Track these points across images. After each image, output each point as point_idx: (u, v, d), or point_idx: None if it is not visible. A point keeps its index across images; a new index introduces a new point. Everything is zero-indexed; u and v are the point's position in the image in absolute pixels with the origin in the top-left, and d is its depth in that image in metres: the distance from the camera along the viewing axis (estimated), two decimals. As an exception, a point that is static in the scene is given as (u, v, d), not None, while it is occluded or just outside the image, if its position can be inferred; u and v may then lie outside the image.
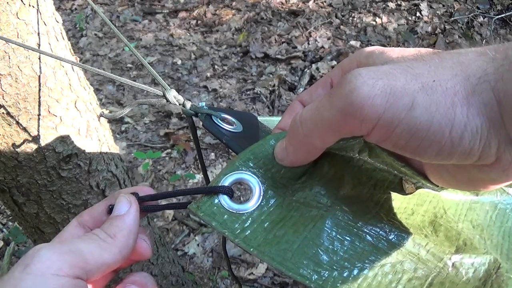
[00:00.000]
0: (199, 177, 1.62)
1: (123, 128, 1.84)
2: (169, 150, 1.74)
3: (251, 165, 0.30)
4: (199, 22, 2.47)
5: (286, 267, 0.27)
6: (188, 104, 0.37)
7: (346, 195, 0.30)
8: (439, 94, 0.22)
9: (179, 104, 0.37)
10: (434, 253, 0.29)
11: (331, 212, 0.30)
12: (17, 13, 0.45)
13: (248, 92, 2.00)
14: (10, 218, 1.47)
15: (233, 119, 0.38)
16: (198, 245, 1.43)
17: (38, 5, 0.48)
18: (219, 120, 0.36)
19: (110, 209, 0.31)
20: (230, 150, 0.34)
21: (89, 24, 2.45)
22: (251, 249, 0.27)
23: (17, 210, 0.61)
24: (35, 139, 0.53)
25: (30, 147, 0.53)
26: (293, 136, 0.28)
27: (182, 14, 2.54)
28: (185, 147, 1.73)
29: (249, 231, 0.28)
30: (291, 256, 0.27)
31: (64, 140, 0.56)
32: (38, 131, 0.53)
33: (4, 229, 1.45)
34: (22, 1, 0.46)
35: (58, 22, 0.54)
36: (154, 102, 0.37)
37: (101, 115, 0.62)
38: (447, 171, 0.27)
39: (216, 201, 0.29)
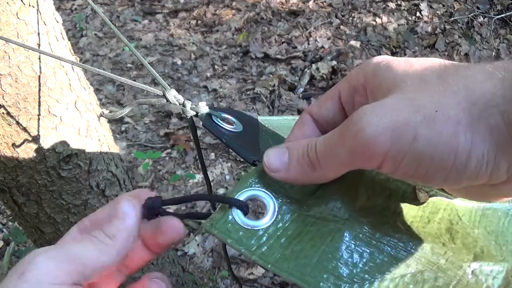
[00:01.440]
0: (199, 177, 1.62)
1: (123, 128, 1.84)
2: (169, 150, 1.74)
3: (264, 181, 0.30)
4: (199, 22, 2.47)
5: (306, 282, 0.27)
6: (188, 104, 0.37)
7: (362, 207, 0.30)
8: (441, 124, 0.22)
9: (179, 104, 0.37)
10: (453, 261, 0.29)
11: (348, 225, 0.29)
12: (17, 13, 0.45)
13: (248, 92, 2.00)
14: (10, 218, 1.47)
15: (233, 119, 0.37)
16: (198, 245, 1.43)
17: (38, 5, 0.48)
18: (219, 120, 0.36)
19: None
20: (230, 150, 0.33)
21: (89, 24, 2.45)
22: (269, 266, 0.27)
23: (17, 210, 0.61)
24: (35, 139, 0.53)
25: (30, 147, 0.53)
26: (304, 162, 0.28)
27: (182, 14, 2.54)
28: (185, 147, 1.73)
29: (265, 247, 0.28)
30: (310, 270, 0.27)
31: (64, 140, 0.56)
32: (38, 131, 0.53)
33: (4, 229, 1.45)
34: (22, 1, 0.45)
35: (58, 22, 0.54)
36: (154, 102, 0.37)
37: (101, 115, 0.63)
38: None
39: (230, 217, 0.28)
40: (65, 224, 0.64)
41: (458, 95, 0.23)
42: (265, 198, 0.30)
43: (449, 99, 0.23)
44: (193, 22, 2.47)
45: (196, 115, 0.36)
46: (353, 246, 0.29)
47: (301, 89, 1.99)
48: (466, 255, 0.29)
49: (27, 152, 0.53)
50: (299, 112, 1.89)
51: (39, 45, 0.49)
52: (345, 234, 0.29)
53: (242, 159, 0.34)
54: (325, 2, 2.50)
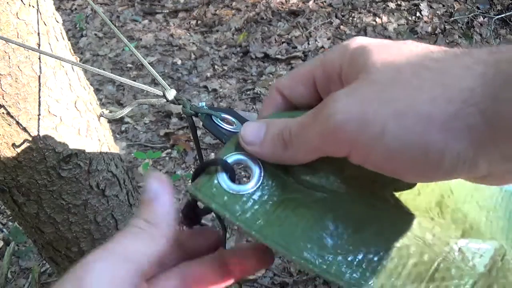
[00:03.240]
0: (199, 177, 1.62)
1: (123, 128, 1.84)
2: (169, 150, 1.75)
3: None
4: (199, 22, 2.47)
5: (290, 251, 0.26)
6: (188, 104, 0.37)
7: (351, 176, 0.29)
8: (411, 120, 0.21)
9: (179, 104, 0.37)
10: (440, 237, 0.28)
11: (336, 195, 0.29)
12: (17, 13, 0.45)
13: (248, 92, 2.00)
14: (10, 218, 1.47)
15: (233, 119, 0.38)
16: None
17: (38, 5, 0.48)
18: (219, 120, 0.36)
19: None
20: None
21: (89, 24, 2.45)
22: (253, 232, 0.27)
23: (17, 210, 0.61)
24: (35, 139, 0.53)
25: (30, 147, 0.53)
26: (278, 140, 0.27)
27: (182, 14, 2.54)
28: (185, 147, 1.73)
29: (250, 213, 0.27)
30: (294, 239, 0.27)
31: (64, 140, 0.56)
32: (38, 131, 0.53)
33: (4, 229, 1.46)
34: (22, 1, 0.46)
35: (58, 22, 0.54)
36: (154, 102, 0.37)
37: (101, 115, 0.63)
38: None
39: (216, 182, 0.28)
40: (65, 224, 0.64)
41: (433, 91, 0.22)
42: (251, 162, 0.29)
43: (424, 94, 0.22)
44: (193, 22, 2.47)
45: (196, 115, 0.37)
46: (339, 216, 0.28)
47: (301, 89, 1.99)
48: (454, 231, 0.29)
49: (27, 152, 0.53)
50: (299, 112, 1.89)
51: (39, 45, 0.49)
52: (331, 204, 0.28)
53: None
54: (325, 2, 2.50)
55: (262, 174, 0.29)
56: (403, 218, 0.29)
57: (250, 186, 0.28)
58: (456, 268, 0.27)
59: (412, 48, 0.24)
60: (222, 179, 0.28)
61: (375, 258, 0.27)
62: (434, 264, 0.27)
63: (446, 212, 0.30)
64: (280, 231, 0.27)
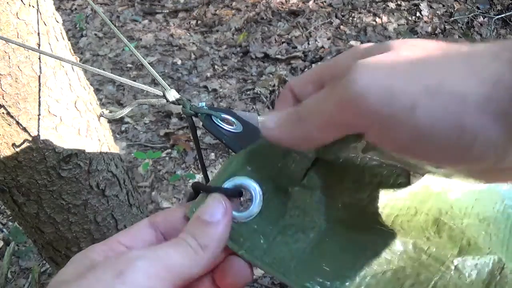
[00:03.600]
0: (199, 177, 1.62)
1: (123, 128, 1.84)
2: (169, 150, 1.74)
3: (249, 168, 0.29)
4: (199, 22, 2.47)
5: (289, 279, 0.26)
6: (188, 104, 0.37)
7: (347, 203, 0.30)
8: (445, 98, 0.20)
9: (179, 104, 0.37)
10: (436, 257, 0.29)
11: (332, 222, 0.29)
12: (17, 13, 0.45)
13: (248, 92, 2.00)
14: (10, 218, 1.47)
15: (233, 119, 0.37)
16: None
17: (38, 5, 0.48)
18: (219, 120, 0.36)
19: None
20: (230, 150, 0.33)
21: (89, 24, 2.45)
22: (255, 260, 0.27)
23: (17, 210, 0.61)
24: (35, 139, 0.53)
25: (30, 147, 0.53)
26: (293, 116, 0.26)
27: (182, 14, 2.54)
28: (185, 147, 1.73)
29: (250, 241, 0.27)
30: (293, 266, 0.27)
31: (64, 140, 0.56)
32: (38, 131, 0.53)
33: (4, 229, 1.45)
34: (22, 1, 0.46)
35: (58, 22, 0.54)
36: (154, 102, 0.37)
37: (101, 115, 0.63)
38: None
39: None
40: (65, 224, 0.64)
41: (464, 72, 0.20)
42: (251, 187, 0.29)
43: (455, 74, 0.20)
44: (193, 22, 2.47)
45: (196, 116, 0.36)
46: (335, 243, 0.28)
47: (301, 89, 1.99)
48: (450, 250, 0.29)
49: (27, 152, 0.53)
50: (299, 112, 1.89)
51: (39, 45, 0.49)
52: (327, 231, 0.29)
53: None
54: (325, 2, 2.50)
55: (262, 200, 0.28)
56: (398, 241, 0.29)
57: (250, 213, 0.28)
58: (454, 285, 0.28)
59: (434, 43, 0.23)
60: None
61: (373, 281, 0.27)
62: (431, 283, 0.27)
63: (443, 230, 0.30)
64: (279, 258, 0.27)
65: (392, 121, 0.21)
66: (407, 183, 0.30)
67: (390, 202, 0.30)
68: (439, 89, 0.20)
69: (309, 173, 0.31)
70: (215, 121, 0.36)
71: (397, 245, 0.29)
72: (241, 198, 0.29)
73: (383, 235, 0.29)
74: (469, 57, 0.21)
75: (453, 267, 0.28)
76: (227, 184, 0.29)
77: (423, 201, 0.31)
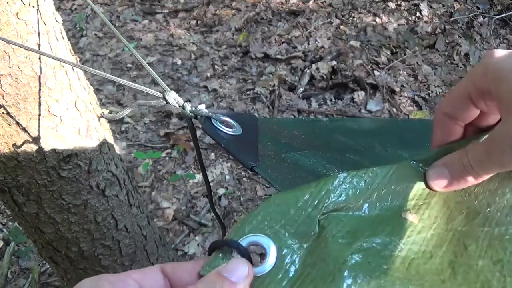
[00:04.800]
0: (199, 177, 1.62)
1: (123, 128, 1.84)
2: (169, 150, 1.75)
3: (263, 225, 0.30)
4: (199, 22, 2.47)
5: None
6: (188, 106, 0.37)
7: (359, 248, 0.30)
8: None
9: (179, 106, 0.37)
10: None
11: (348, 266, 0.29)
12: (17, 13, 0.45)
13: (248, 92, 2.00)
14: (10, 218, 1.47)
15: (233, 122, 0.37)
16: (198, 245, 1.43)
17: (38, 5, 0.48)
18: (218, 123, 0.36)
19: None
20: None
21: (89, 24, 2.45)
22: None
23: (17, 210, 0.61)
24: (35, 139, 0.53)
25: (30, 147, 0.53)
26: (465, 176, 0.33)
27: (182, 14, 2.54)
28: (185, 147, 1.73)
29: None
30: None
31: (64, 140, 0.56)
32: (38, 131, 0.53)
33: (4, 229, 1.46)
34: (22, 1, 0.46)
35: (58, 22, 0.54)
36: (154, 104, 0.37)
37: (101, 116, 0.63)
38: None
39: None
40: (65, 224, 0.64)
41: None
42: (265, 242, 0.29)
43: None
44: (193, 22, 2.47)
45: (196, 117, 0.37)
46: (354, 283, 0.29)
47: (301, 89, 1.99)
48: None
49: (27, 152, 0.53)
50: (299, 112, 1.89)
51: (39, 45, 0.49)
52: (344, 275, 0.29)
53: (240, 163, 0.34)
54: (325, 2, 2.50)
55: (276, 253, 0.29)
56: (412, 285, 0.30)
57: (266, 267, 0.28)
58: None
59: None
60: None
61: None
62: None
63: (458, 273, 0.31)
64: None
65: None
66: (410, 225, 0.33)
67: (405, 247, 0.31)
68: None
69: (314, 230, 0.31)
70: (214, 123, 0.36)
71: None
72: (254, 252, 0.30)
73: (399, 278, 0.30)
74: None
75: None
76: (244, 242, 0.29)
77: (437, 246, 0.32)
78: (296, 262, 0.29)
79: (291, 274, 0.29)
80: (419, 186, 0.34)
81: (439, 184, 0.34)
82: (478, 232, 0.33)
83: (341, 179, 0.32)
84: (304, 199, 0.31)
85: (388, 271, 0.30)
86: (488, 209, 0.34)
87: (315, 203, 0.31)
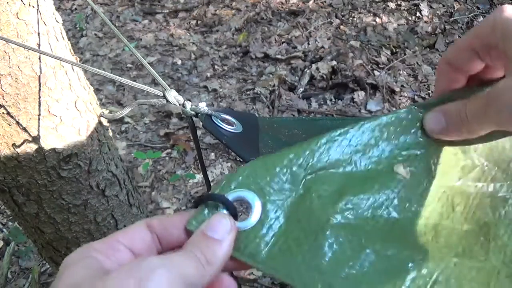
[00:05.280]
0: (199, 177, 1.62)
1: (123, 128, 1.84)
2: (169, 150, 1.74)
3: (249, 181, 0.30)
4: (199, 22, 2.47)
5: (292, 279, 0.27)
6: (188, 105, 0.37)
7: (344, 208, 0.31)
8: None
9: (179, 105, 0.37)
10: (434, 256, 0.30)
11: (330, 225, 0.30)
12: (17, 13, 0.45)
13: (248, 92, 2.00)
14: (10, 218, 1.47)
15: (233, 120, 0.38)
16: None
17: (38, 5, 0.48)
18: (219, 121, 0.36)
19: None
20: (230, 150, 0.34)
21: (89, 24, 2.45)
22: (258, 265, 0.28)
23: (17, 210, 0.61)
24: (35, 139, 0.53)
25: (30, 147, 0.53)
26: (461, 126, 0.32)
27: (182, 14, 2.54)
28: (185, 147, 1.73)
29: (252, 247, 0.28)
30: (296, 268, 0.28)
31: (64, 140, 0.56)
32: (38, 131, 0.53)
33: (4, 229, 1.45)
34: (22, 1, 0.46)
35: (58, 22, 0.54)
36: (154, 103, 0.37)
37: (101, 115, 0.63)
38: None
39: None
40: (65, 224, 0.64)
41: None
42: (250, 197, 0.30)
43: None
44: (193, 22, 2.47)
45: (196, 116, 0.37)
46: (335, 244, 0.29)
47: (301, 89, 1.99)
48: (446, 254, 0.30)
49: (27, 152, 0.53)
50: (299, 112, 1.89)
51: (39, 45, 0.49)
52: (327, 232, 0.29)
53: (242, 160, 0.34)
54: (325, 2, 2.50)
55: (261, 209, 0.29)
56: (399, 240, 0.30)
57: (251, 221, 0.29)
58: (455, 278, 0.29)
59: None
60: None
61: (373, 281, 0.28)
62: (432, 277, 0.29)
63: (441, 236, 0.31)
64: (282, 261, 0.28)
65: None
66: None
67: (392, 205, 0.31)
68: None
69: (305, 181, 0.31)
70: (215, 121, 0.36)
71: (396, 254, 0.30)
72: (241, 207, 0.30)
73: (384, 244, 0.30)
74: None
75: (452, 264, 0.30)
76: (229, 196, 0.29)
77: (426, 205, 0.32)
78: (281, 218, 0.30)
79: (275, 230, 0.29)
80: (416, 134, 0.33)
81: (434, 130, 0.33)
82: (471, 188, 0.33)
83: (327, 139, 0.32)
84: (289, 157, 0.31)
85: (371, 232, 0.30)
86: (486, 163, 0.33)
87: (300, 161, 0.31)
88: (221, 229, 0.28)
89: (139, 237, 0.29)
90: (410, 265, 0.29)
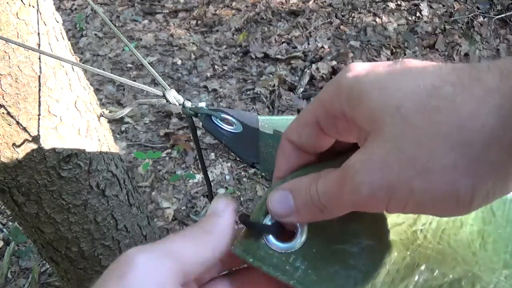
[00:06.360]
0: (199, 177, 1.62)
1: (123, 128, 1.84)
2: (169, 150, 1.75)
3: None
4: (199, 22, 2.47)
5: None
6: (188, 104, 0.37)
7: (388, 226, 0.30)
8: (436, 174, 0.21)
9: (179, 104, 0.37)
10: (486, 268, 0.29)
11: (380, 243, 0.29)
12: (17, 13, 0.45)
13: (248, 92, 2.00)
14: (10, 218, 1.47)
15: (233, 119, 0.38)
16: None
17: (38, 5, 0.48)
18: (218, 121, 0.36)
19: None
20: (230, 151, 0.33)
21: (89, 24, 2.45)
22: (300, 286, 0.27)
23: (17, 210, 0.61)
24: (35, 139, 0.53)
25: (30, 147, 0.53)
26: (312, 207, 0.27)
27: (182, 14, 2.54)
28: (185, 147, 1.73)
29: (300, 271, 0.27)
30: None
31: (64, 140, 0.56)
32: (38, 131, 0.53)
33: (4, 229, 1.45)
34: (22, 1, 0.46)
35: (58, 22, 0.54)
36: (154, 102, 0.37)
37: (101, 115, 0.63)
38: None
39: (263, 242, 0.28)
40: (65, 224, 0.64)
41: (450, 138, 0.21)
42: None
43: (440, 143, 0.21)
44: (193, 22, 2.47)
45: (196, 116, 0.37)
46: (384, 264, 0.28)
47: (301, 89, 1.99)
48: (496, 263, 0.29)
49: (27, 152, 0.53)
50: (299, 112, 1.89)
51: (39, 45, 0.49)
52: (375, 255, 0.28)
53: (241, 160, 0.34)
54: (325, 2, 2.50)
55: (306, 229, 0.28)
56: (448, 255, 0.29)
57: (297, 243, 0.28)
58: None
59: (410, 82, 0.23)
60: (268, 238, 0.28)
61: None
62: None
63: (488, 242, 0.30)
64: (334, 285, 0.27)
65: (399, 204, 0.23)
66: None
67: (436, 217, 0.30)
68: (429, 167, 0.21)
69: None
70: (214, 121, 0.36)
71: (448, 259, 0.29)
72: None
73: (430, 251, 0.29)
74: (453, 113, 0.21)
75: (503, 278, 0.28)
76: (268, 218, 0.29)
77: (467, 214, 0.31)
78: (326, 237, 0.29)
79: (322, 252, 0.28)
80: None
81: (277, 214, 0.28)
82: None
83: None
84: None
85: (420, 247, 0.29)
86: None
87: None
88: (220, 206, 0.29)
89: None
90: (463, 283, 0.28)
